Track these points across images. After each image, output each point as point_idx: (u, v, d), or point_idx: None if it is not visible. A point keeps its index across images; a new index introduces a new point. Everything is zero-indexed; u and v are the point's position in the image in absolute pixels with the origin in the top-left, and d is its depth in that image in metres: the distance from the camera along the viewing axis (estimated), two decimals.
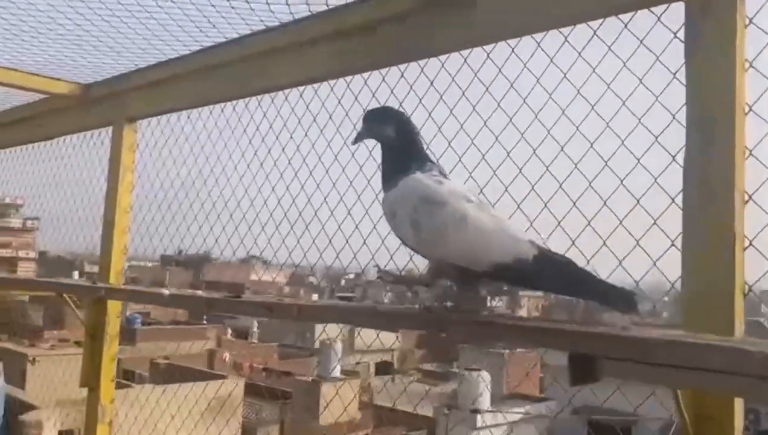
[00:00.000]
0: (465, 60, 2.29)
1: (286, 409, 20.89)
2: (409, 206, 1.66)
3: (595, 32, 1.94)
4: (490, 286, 1.77)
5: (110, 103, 3.65)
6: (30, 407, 5.36)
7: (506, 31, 2.15)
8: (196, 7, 2.76)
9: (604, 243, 1.88)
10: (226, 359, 26.19)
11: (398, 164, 1.75)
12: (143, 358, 23.31)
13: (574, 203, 1.97)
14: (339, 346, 21.93)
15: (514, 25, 2.13)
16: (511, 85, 2.18)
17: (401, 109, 2.03)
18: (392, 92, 2.51)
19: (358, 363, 26.50)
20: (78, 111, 3.89)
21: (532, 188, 2.09)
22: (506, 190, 2.14)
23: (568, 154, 2.01)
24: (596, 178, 1.93)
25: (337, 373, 23.99)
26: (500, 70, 2.20)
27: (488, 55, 2.23)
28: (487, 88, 2.23)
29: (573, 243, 1.93)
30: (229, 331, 30.70)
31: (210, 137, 3.33)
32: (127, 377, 22.13)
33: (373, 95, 2.60)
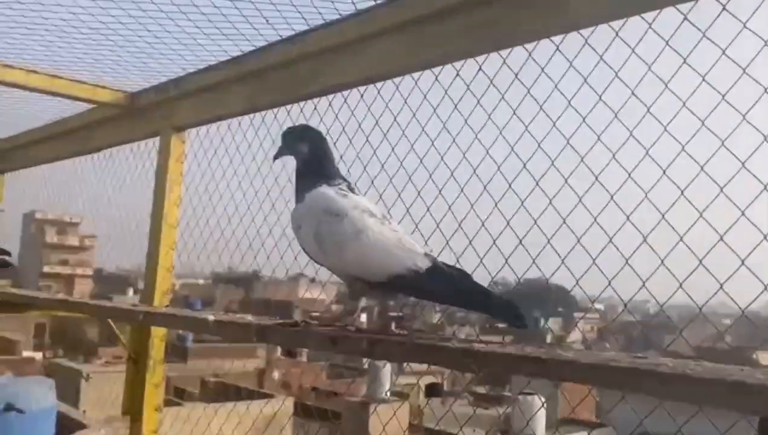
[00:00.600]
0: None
1: (335, 429, 20.57)
2: (314, 219, 1.71)
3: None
4: (394, 300, 1.80)
5: (157, 112, 3.40)
6: (81, 426, 5.18)
7: (599, 15, 1.81)
8: (251, 2, 2.49)
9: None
10: (276, 378, 26.04)
11: (309, 180, 1.79)
12: (194, 376, 23.31)
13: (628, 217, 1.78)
14: (388, 366, 21.60)
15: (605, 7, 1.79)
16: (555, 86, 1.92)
17: (316, 129, 2.05)
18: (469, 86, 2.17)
19: (407, 384, 25.99)
20: (125, 121, 3.65)
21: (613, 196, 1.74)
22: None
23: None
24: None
25: (387, 394, 23.55)
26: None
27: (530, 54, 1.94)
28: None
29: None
30: (279, 349, 30.58)
31: (262, 146, 3.04)
32: (177, 395, 22.17)
33: (446, 92, 2.28)
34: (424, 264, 1.61)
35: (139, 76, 3.44)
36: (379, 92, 2.47)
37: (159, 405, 3.26)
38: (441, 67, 2.24)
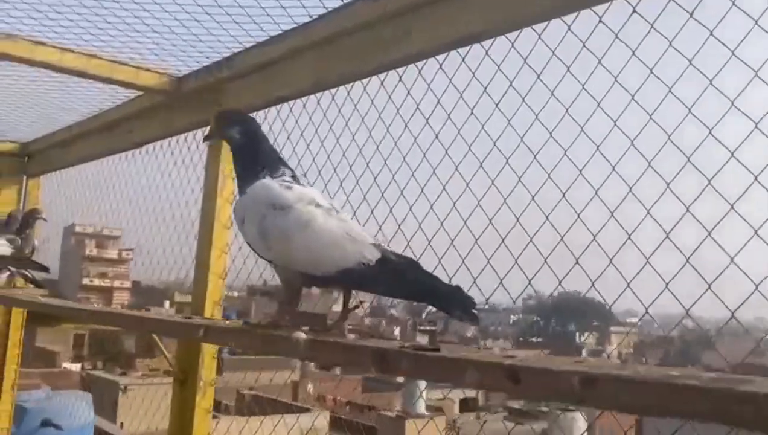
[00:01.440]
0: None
1: None
2: (257, 213, 1.61)
3: None
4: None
5: (208, 97, 2.93)
6: None
7: None
8: None
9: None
10: (310, 391, 25.66)
11: (249, 170, 1.70)
12: (230, 389, 22.98)
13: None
14: (423, 381, 21.04)
15: None
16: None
17: (249, 115, 1.95)
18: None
19: (441, 399, 25.36)
20: (170, 110, 3.19)
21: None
22: None
23: None
24: None
25: (422, 409, 22.99)
26: None
27: None
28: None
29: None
30: (312, 363, 30.20)
31: (333, 129, 2.55)
32: (213, 407, 21.80)
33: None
34: (373, 255, 1.51)
35: (186, 58, 2.99)
36: (487, 53, 1.95)
37: (209, 433, 2.77)
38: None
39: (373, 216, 2.30)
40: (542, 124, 1.82)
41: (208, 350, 2.74)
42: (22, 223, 4.13)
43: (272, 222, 1.58)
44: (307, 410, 19.25)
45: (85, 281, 39.82)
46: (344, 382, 27.00)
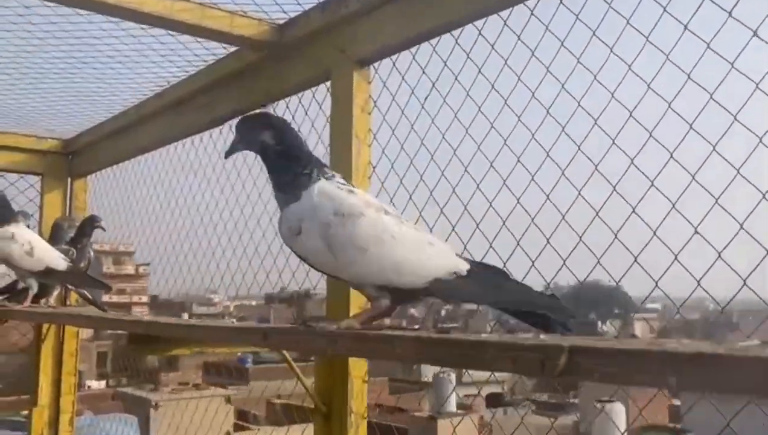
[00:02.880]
0: None
1: None
2: (321, 221, 1.40)
3: None
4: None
5: (326, 43, 2.21)
6: None
7: None
8: None
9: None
10: None
11: (291, 173, 1.47)
12: (256, 398, 22.37)
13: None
14: (453, 378, 20.61)
15: None
16: None
17: (276, 114, 1.70)
18: None
19: (467, 396, 24.68)
20: (269, 68, 2.47)
21: None
22: None
23: None
24: None
25: (452, 407, 22.28)
26: None
27: None
28: None
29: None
30: None
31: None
32: (241, 418, 21.41)
33: None
34: (463, 266, 1.38)
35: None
36: None
37: None
38: None
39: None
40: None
41: (356, 373, 2.00)
42: (79, 232, 3.41)
43: (342, 231, 1.39)
44: None
45: (105, 298, 38.92)
46: (373, 385, 26.34)
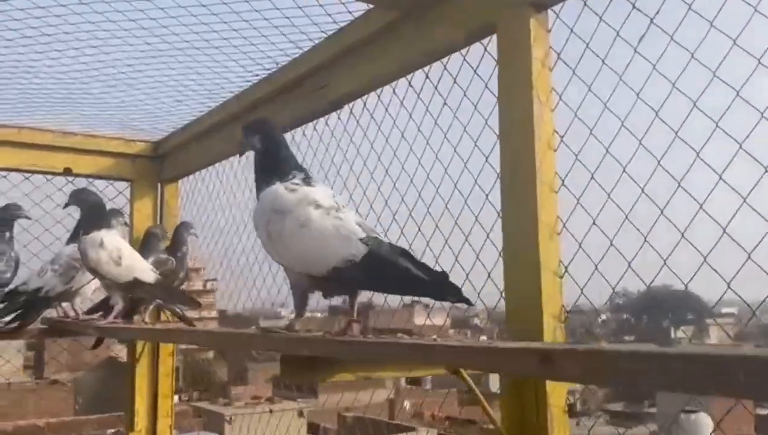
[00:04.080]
0: None
1: None
2: (265, 218, 1.60)
3: None
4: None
5: None
6: None
7: None
8: None
9: None
10: (407, 408, 24.51)
11: (264, 177, 1.67)
12: (327, 411, 22.10)
13: None
14: None
15: None
16: None
17: (270, 120, 1.87)
18: None
19: None
20: (401, 33, 2.02)
21: None
22: None
23: None
24: None
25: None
26: None
27: None
28: None
29: None
30: (403, 378, 29.10)
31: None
32: (313, 431, 21.20)
33: None
34: (359, 251, 1.42)
35: None
36: None
37: None
38: None
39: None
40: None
41: (555, 401, 1.51)
42: (175, 241, 3.04)
43: (275, 227, 1.57)
44: (413, 429, 18.22)
45: None
46: (440, 397, 25.83)
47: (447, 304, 1.55)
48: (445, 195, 2.01)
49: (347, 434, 19.10)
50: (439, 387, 27.67)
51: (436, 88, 2.01)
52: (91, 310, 3.04)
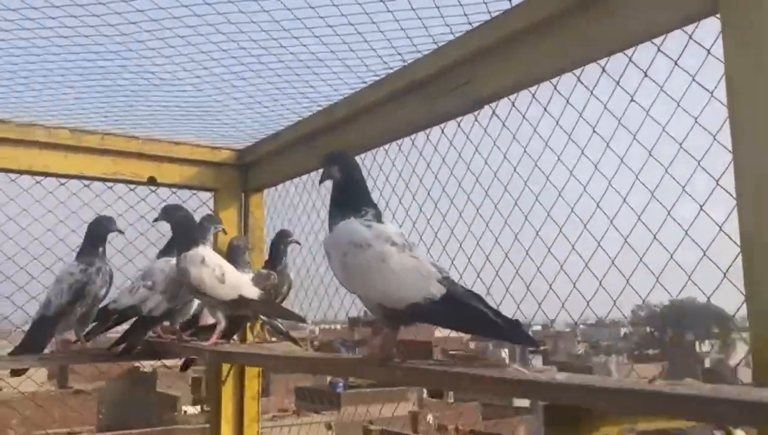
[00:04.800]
0: None
1: None
2: (340, 250, 1.68)
3: None
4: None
5: None
6: None
7: None
8: None
9: None
10: (431, 421, 24.14)
11: (339, 208, 1.76)
12: (350, 424, 21.79)
13: None
14: None
15: None
16: None
17: (348, 154, 1.94)
18: None
19: None
20: (569, 21, 1.78)
21: None
22: None
23: None
24: None
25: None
26: None
27: None
28: None
29: None
30: (425, 390, 28.69)
31: None
32: None
33: None
34: (438, 291, 1.54)
35: None
36: None
37: None
38: None
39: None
40: None
41: None
42: (275, 252, 2.81)
43: (352, 259, 1.64)
44: None
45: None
46: (463, 410, 25.38)
47: None
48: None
49: None
50: (461, 400, 27.27)
51: (618, 82, 1.75)
52: (181, 329, 2.81)
